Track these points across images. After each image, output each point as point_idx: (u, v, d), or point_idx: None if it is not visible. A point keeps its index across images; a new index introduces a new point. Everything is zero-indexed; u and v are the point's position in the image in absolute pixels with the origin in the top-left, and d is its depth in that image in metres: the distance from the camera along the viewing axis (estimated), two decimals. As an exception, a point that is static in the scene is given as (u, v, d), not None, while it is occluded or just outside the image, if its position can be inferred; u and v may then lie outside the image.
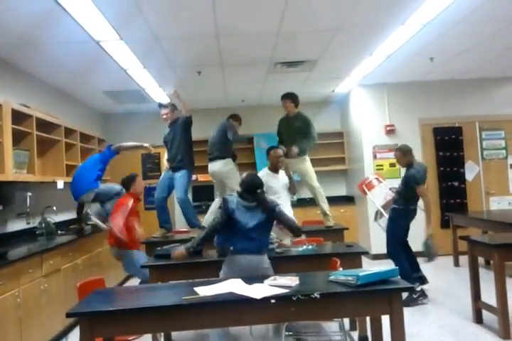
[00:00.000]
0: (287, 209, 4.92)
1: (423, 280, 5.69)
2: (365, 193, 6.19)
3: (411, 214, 5.54)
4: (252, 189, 3.75)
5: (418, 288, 5.25)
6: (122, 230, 4.77)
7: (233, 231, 3.68)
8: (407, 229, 5.63)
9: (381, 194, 6.06)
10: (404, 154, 5.53)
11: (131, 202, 4.99)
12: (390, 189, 6.00)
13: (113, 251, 5.12)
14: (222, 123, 5.93)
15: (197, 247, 3.76)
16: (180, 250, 3.78)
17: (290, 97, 6.02)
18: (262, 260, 3.68)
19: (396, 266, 5.34)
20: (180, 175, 5.66)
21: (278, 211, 3.76)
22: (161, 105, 5.84)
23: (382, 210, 5.98)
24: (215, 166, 5.81)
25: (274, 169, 5.29)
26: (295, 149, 5.69)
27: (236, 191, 3.88)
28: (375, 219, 6.39)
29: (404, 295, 5.15)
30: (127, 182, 5.21)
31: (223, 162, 5.78)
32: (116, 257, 5.13)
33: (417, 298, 5.23)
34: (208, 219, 5.80)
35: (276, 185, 5.22)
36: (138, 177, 5.30)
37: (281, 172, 5.33)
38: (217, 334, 3.68)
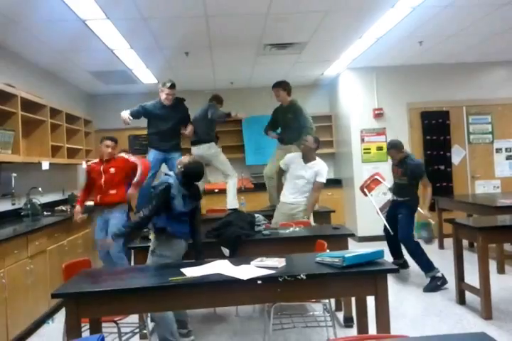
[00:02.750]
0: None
1: (405, 264, 5.86)
2: (366, 195, 6.21)
3: (418, 204, 5.66)
4: (193, 179, 3.82)
5: (438, 274, 5.23)
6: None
7: (168, 214, 3.71)
8: None
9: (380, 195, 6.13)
10: (399, 150, 5.59)
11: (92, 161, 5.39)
12: (389, 189, 6.00)
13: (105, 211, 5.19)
14: (205, 106, 5.90)
15: (142, 227, 3.80)
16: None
17: (281, 85, 5.88)
18: (185, 244, 3.85)
19: (414, 253, 5.40)
20: (179, 155, 5.44)
21: (198, 209, 4.02)
22: (173, 85, 5.52)
23: (380, 213, 6.00)
24: (199, 150, 5.74)
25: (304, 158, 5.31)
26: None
27: (176, 173, 3.80)
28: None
29: (425, 281, 5.28)
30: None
31: (208, 146, 5.73)
32: (105, 219, 5.17)
33: (440, 285, 5.18)
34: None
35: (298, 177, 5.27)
36: (105, 140, 5.27)
37: (316, 164, 5.27)
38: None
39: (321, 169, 5.22)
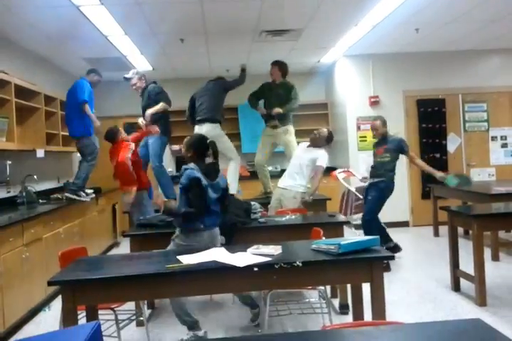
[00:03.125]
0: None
1: (398, 248, 5.89)
2: (336, 179, 6.49)
3: (393, 188, 5.71)
4: (205, 150, 3.71)
5: (392, 244, 5.60)
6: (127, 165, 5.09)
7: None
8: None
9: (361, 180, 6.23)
10: (384, 124, 5.77)
11: (132, 144, 5.27)
12: (362, 178, 6.10)
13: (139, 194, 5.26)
14: (215, 85, 5.77)
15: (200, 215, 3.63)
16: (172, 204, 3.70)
17: (279, 64, 6.04)
18: (218, 230, 3.83)
19: (373, 230, 5.45)
20: (152, 141, 5.51)
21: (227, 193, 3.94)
22: (125, 78, 5.64)
23: (354, 190, 6.17)
24: (202, 129, 5.46)
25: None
26: (278, 110, 5.79)
27: (193, 164, 3.67)
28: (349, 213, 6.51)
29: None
30: (114, 135, 5.33)
31: (212, 126, 5.53)
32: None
33: (394, 252, 5.44)
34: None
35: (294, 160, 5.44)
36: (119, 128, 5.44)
37: (314, 150, 5.35)
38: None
39: (321, 155, 5.28)
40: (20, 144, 5.44)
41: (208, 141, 3.77)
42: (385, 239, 5.79)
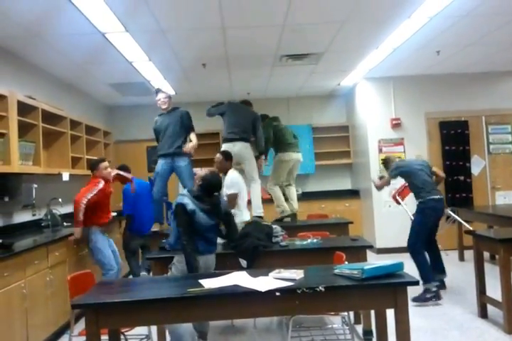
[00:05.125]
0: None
1: (442, 284, 5.52)
2: (399, 203, 6.09)
3: (437, 204, 5.31)
4: (211, 191, 3.81)
5: (434, 289, 5.09)
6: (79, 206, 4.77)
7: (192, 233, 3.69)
8: (435, 224, 5.44)
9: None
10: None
11: (101, 183, 4.98)
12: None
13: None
14: (253, 113, 6.01)
15: (189, 250, 3.64)
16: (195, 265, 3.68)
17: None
18: (214, 258, 3.89)
19: (415, 261, 5.20)
20: (186, 164, 5.64)
21: (229, 215, 4.00)
22: (158, 90, 5.80)
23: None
24: (235, 147, 5.65)
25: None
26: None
27: (188, 190, 3.84)
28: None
29: (419, 290, 5.11)
30: (91, 167, 5.17)
31: (245, 145, 5.74)
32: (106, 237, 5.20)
33: (430, 298, 5.05)
34: None
35: None
36: (102, 163, 5.13)
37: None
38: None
39: (226, 182, 5.03)
40: (47, 168, 5.54)
41: (217, 189, 3.91)
42: (426, 277, 5.14)
